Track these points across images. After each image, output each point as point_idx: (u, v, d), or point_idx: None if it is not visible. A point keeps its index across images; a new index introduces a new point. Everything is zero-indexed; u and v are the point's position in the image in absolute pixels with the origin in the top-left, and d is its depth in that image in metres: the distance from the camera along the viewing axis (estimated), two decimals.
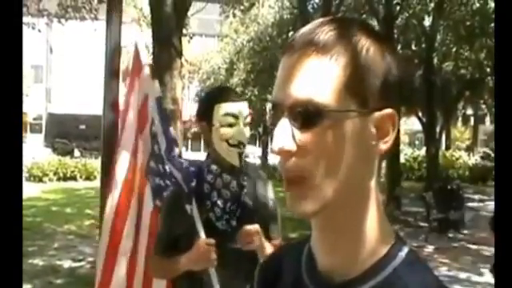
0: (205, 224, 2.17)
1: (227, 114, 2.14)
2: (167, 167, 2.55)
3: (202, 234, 2.15)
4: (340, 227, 0.85)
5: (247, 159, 2.33)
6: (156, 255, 2.32)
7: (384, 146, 0.83)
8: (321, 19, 0.85)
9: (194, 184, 2.25)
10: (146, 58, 2.92)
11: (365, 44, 0.81)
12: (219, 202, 2.22)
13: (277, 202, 2.36)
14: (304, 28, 0.85)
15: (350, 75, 0.80)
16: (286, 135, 0.79)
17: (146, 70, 2.85)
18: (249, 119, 2.19)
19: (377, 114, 0.81)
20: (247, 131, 2.19)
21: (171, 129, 2.65)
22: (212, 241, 2.11)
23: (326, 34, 0.81)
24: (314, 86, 0.79)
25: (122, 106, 3.11)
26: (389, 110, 0.82)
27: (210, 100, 2.21)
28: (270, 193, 2.34)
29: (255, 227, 2.11)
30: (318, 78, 0.79)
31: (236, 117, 2.14)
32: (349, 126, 0.79)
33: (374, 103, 0.81)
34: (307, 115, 0.79)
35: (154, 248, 2.39)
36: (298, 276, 0.92)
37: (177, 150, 2.53)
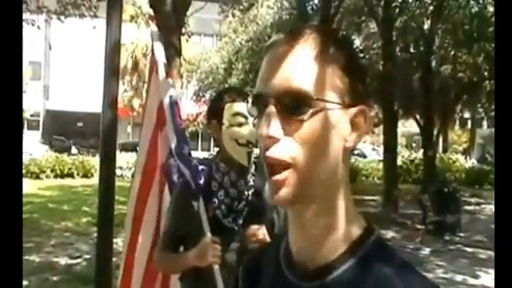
0: (211, 221, 2.21)
1: (237, 114, 2.18)
2: (178, 164, 2.60)
3: (208, 232, 2.18)
4: (314, 215, 0.89)
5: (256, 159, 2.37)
6: (162, 250, 2.36)
7: (357, 139, 0.89)
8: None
9: (201, 181, 2.29)
10: (163, 55, 2.96)
11: (343, 45, 0.90)
12: (226, 201, 2.25)
13: None
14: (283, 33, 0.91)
15: (332, 70, 0.86)
16: (273, 122, 0.83)
17: (162, 68, 2.89)
18: None
19: (351, 109, 0.87)
20: None
21: (182, 126, 2.69)
22: (217, 238, 2.14)
23: (310, 33, 0.88)
24: (300, 76, 0.84)
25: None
26: (361, 106, 0.88)
27: (221, 100, 2.25)
28: None
29: (261, 227, 2.15)
30: (305, 69, 0.85)
31: (246, 117, 2.18)
32: (330, 117, 0.85)
33: (349, 99, 0.87)
34: (293, 103, 0.83)
35: (159, 242, 2.42)
36: (277, 267, 0.96)
37: (187, 148, 2.57)
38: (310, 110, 0.83)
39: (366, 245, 0.89)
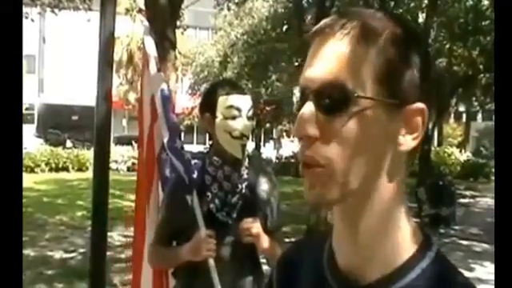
0: (205, 215, 2.20)
1: (231, 107, 2.17)
2: (170, 158, 2.59)
3: (202, 225, 2.17)
4: (363, 223, 0.81)
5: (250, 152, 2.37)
6: (156, 245, 2.35)
7: (412, 142, 0.79)
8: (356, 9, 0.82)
9: (195, 175, 2.28)
10: (154, 49, 2.95)
11: (400, 36, 0.78)
12: (220, 194, 2.24)
13: (278, 196, 2.38)
14: (335, 14, 0.82)
15: (383, 64, 0.76)
16: (310, 120, 0.77)
17: (153, 62, 2.88)
18: (251, 112, 2.22)
19: (407, 107, 0.78)
20: (250, 124, 2.21)
21: (174, 120, 2.67)
22: (212, 232, 2.13)
23: (358, 19, 0.79)
24: (343, 70, 0.76)
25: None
26: (420, 105, 0.78)
27: (214, 92, 2.23)
28: (272, 186, 2.35)
29: (255, 220, 2.14)
30: (349, 63, 0.76)
31: (239, 110, 2.17)
32: (376, 116, 0.76)
33: (404, 96, 0.77)
34: (334, 100, 0.76)
35: (153, 237, 2.41)
36: (320, 272, 0.89)
37: (179, 142, 2.56)
38: (351, 109, 0.75)
39: (423, 261, 0.80)
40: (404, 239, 0.82)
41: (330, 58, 0.77)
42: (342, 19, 0.79)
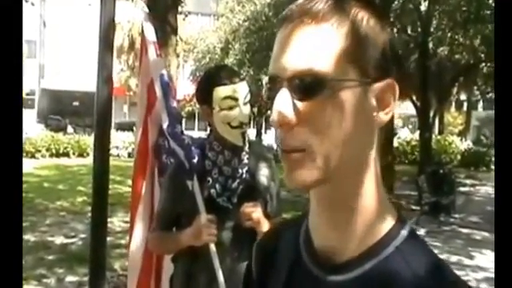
0: (206, 200, 2.19)
1: (227, 98, 2.14)
2: (170, 144, 2.57)
3: (203, 210, 2.16)
4: (339, 202, 0.83)
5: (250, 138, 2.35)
6: (156, 230, 2.34)
7: (385, 116, 0.81)
8: None
9: (195, 160, 2.27)
10: (153, 35, 2.92)
11: (365, 15, 0.80)
12: (220, 179, 2.23)
13: (278, 181, 2.38)
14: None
15: (351, 44, 0.78)
16: (286, 106, 0.77)
17: (152, 48, 2.85)
18: (248, 97, 2.19)
19: (377, 84, 0.80)
20: (248, 110, 2.19)
21: (174, 105, 2.65)
22: (213, 217, 2.13)
23: (325, 3, 0.79)
24: (313, 55, 0.77)
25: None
26: (389, 80, 0.80)
27: (208, 84, 2.20)
28: (272, 171, 2.35)
29: (256, 205, 2.13)
30: (318, 47, 0.77)
31: (236, 99, 2.14)
32: (349, 96, 0.77)
33: (375, 73, 0.79)
34: (307, 85, 0.77)
35: (153, 223, 2.41)
36: (296, 255, 0.90)
37: (179, 127, 2.54)
38: (326, 92, 0.76)
39: (397, 239, 0.82)
40: (378, 218, 0.83)
41: (300, 44, 0.78)
42: (310, 3, 0.80)
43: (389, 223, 0.84)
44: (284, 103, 0.77)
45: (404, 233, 0.83)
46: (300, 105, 0.77)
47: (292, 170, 0.79)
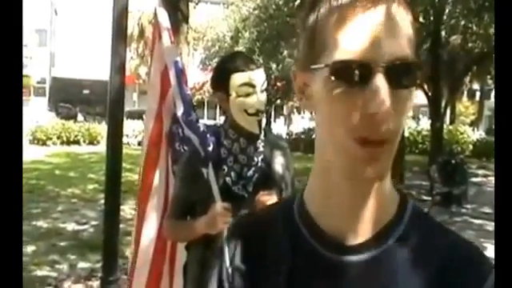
0: (221, 188, 2.17)
1: (244, 84, 2.12)
2: (185, 131, 2.54)
3: (218, 198, 2.15)
4: (371, 190, 0.83)
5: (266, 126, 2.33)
6: (171, 218, 2.33)
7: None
8: None
9: (210, 148, 2.25)
10: (167, 21, 2.89)
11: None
12: (236, 167, 2.22)
13: (293, 170, 2.36)
14: None
15: (414, 30, 0.78)
16: (386, 93, 0.72)
17: (166, 34, 2.82)
18: (265, 85, 2.17)
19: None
20: (264, 97, 2.17)
21: (188, 92, 2.63)
22: (228, 205, 2.11)
23: None
24: (407, 43, 0.75)
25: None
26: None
27: (225, 70, 2.17)
28: (287, 160, 2.33)
29: (271, 193, 2.12)
30: (407, 34, 0.76)
31: (253, 86, 2.12)
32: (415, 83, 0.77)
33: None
34: (404, 73, 0.74)
35: (169, 211, 2.40)
36: (295, 235, 0.87)
37: (194, 114, 2.52)
38: (416, 81, 0.75)
39: (405, 217, 0.84)
40: (388, 199, 0.85)
41: (392, 29, 0.74)
42: None
43: (395, 203, 0.86)
44: (383, 90, 0.72)
45: (409, 208, 0.86)
46: (393, 93, 0.73)
47: (370, 162, 0.75)
